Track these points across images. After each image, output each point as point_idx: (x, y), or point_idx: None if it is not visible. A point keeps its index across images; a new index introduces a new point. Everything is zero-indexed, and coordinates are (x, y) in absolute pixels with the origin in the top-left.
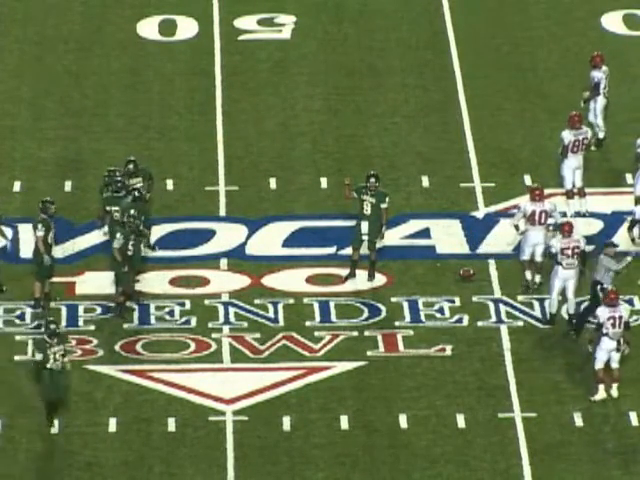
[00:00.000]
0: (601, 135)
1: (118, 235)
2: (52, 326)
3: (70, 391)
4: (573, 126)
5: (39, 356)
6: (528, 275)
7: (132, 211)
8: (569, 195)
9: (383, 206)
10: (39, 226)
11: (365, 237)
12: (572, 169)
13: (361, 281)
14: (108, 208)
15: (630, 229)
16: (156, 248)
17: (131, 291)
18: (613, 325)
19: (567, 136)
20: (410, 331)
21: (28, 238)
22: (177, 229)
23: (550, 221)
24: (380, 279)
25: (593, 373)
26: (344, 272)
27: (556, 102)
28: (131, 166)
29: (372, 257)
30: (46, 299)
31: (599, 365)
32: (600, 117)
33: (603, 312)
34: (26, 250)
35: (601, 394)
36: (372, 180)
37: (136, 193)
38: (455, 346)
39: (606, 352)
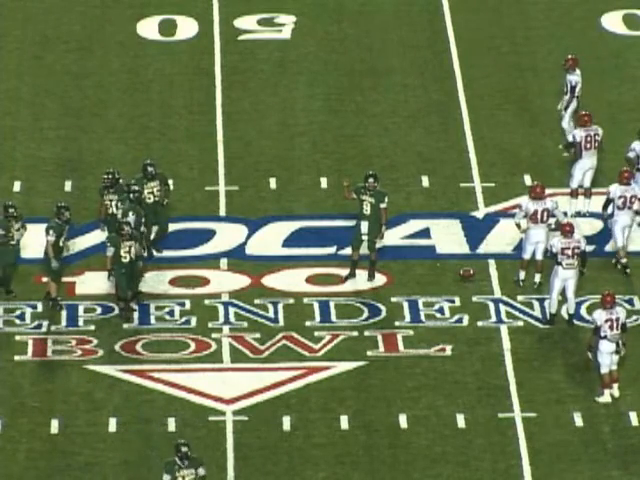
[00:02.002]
0: (571, 138)
1: (108, 244)
2: (184, 449)
3: None
4: (583, 125)
5: (167, 478)
6: (522, 275)
7: (129, 216)
8: (573, 194)
9: (382, 206)
10: (50, 231)
11: (365, 237)
12: (584, 170)
13: (361, 281)
14: (111, 210)
15: (605, 207)
16: (160, 249)
17: (124, 295)
18: (611, 327)
19: (578, 133)
20: (410, 331)
21: (29, 238)
22: (177, 229)
23: (551, 220)
24: (380, 279)
25: (600, 378)
26: (344, 272)
27: (556, 102)
28: (151, 169)
29: (372, 257)
30: (46, 299)
31: (605, 370)
32: (570, 121)
33: (600, 315)
34: (27, 250)
35: (607, 397)
36: (371, 180)
37: (131, 196)
38: (455, 346)
39: (608, 355)
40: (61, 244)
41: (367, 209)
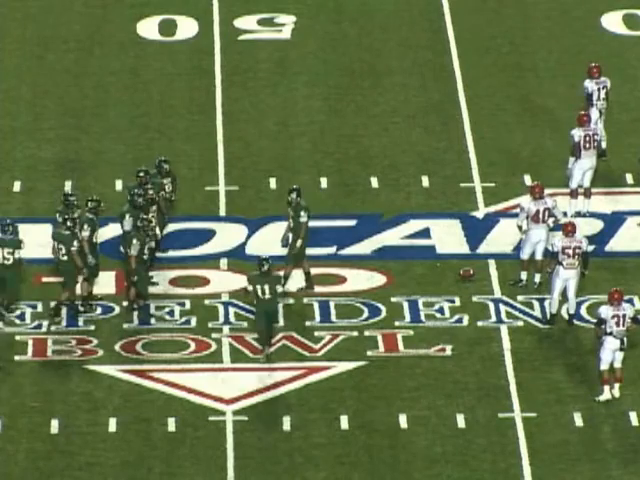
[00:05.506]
0: (603, 145)
1: (135, 241)
2: None
3: None
4: (582, 125)
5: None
6: (524, 275)
7: (125, 219)
8: (573, 194)
9: (301, 220)
10: (85, 226)
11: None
12: (583, 170)
13: (361, 281)
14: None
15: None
16: (166, 250)
17: (146, 292)
18: (617, 324)
19: (577, 133)
20: (410, 331)
21: (28, 238)
22: (177, 229)
23: (550, 220)
24: (380, 279)
25: (598, 374)
26: (344, 272)
27: (556, 102)
28: (166, 165)
29: (305, 268)
30: (90, 298)
31: (604, 366)
32: (599, 126)
33: (607, 311)
34: (27, 250)
35: (606, 395)
36: (293, 195)
37: (127, 197)
38: (455, 346)
39: (610, 352)
40: (94, 240)
41: (291, 222)
